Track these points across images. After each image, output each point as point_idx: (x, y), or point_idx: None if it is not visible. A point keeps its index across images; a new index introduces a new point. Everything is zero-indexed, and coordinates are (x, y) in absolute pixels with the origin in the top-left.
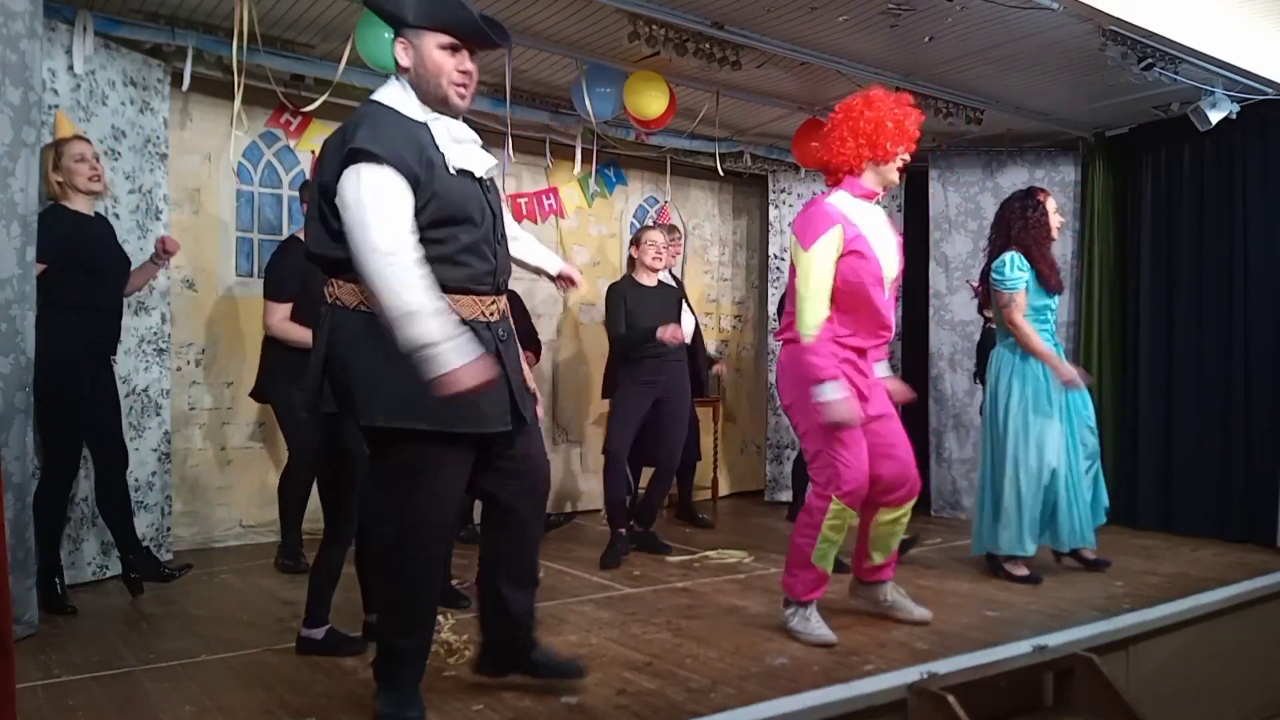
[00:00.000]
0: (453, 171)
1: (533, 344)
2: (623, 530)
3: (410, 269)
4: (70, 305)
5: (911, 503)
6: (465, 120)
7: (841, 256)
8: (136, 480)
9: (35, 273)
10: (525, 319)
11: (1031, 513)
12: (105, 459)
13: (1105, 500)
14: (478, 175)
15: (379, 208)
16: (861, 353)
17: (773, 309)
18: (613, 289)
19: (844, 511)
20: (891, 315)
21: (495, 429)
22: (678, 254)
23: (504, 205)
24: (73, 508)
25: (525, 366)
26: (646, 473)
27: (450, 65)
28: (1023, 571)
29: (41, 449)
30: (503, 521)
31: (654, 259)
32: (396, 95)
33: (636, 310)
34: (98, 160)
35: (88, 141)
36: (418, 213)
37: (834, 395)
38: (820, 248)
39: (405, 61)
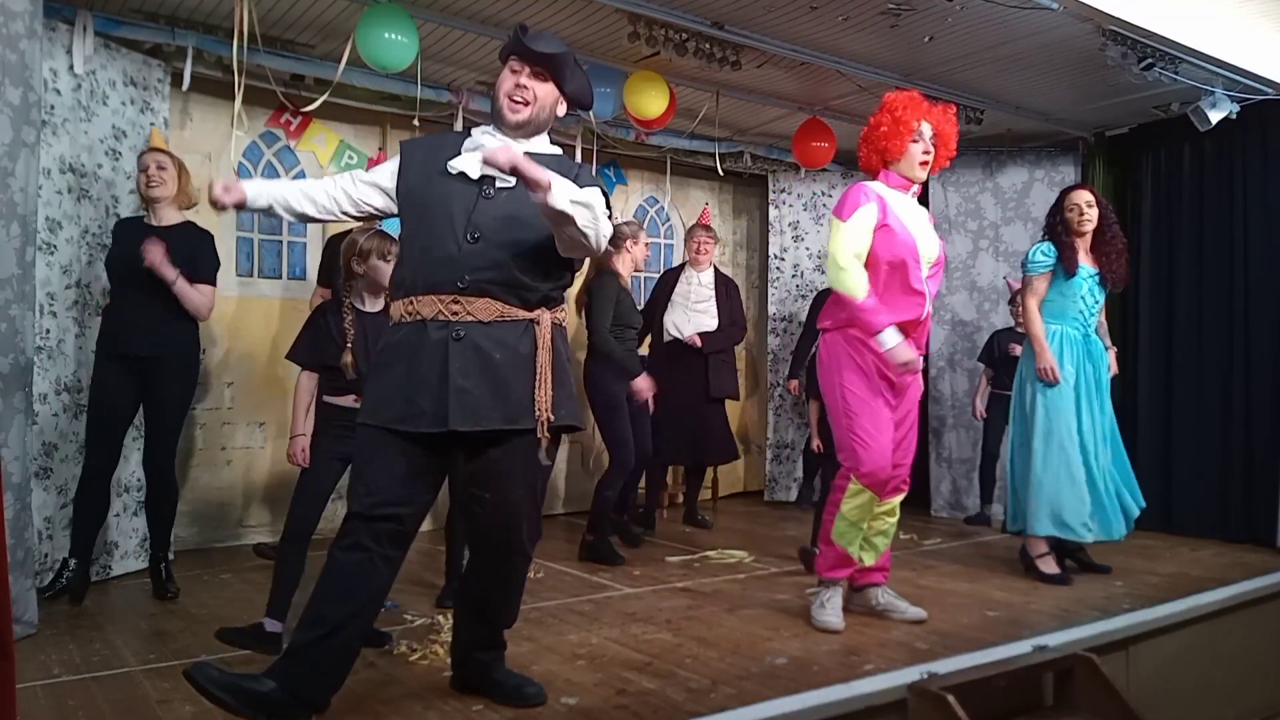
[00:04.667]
0: (452, 172)
1: None
2: (599, 535)
3: (321, 179)
4: (105, 311)
5: (897, 500)
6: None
7: (876, 232)
8: (138, 480)
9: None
10: None
11: (1059, 496)
12: (146, 462)
13: (1137, 501)
14: (473, 177)
15: None
16: (899, 331)
17: (773, 309)
18: (607, 284)
19: (862, 492)
20: (925, 288)
21: (404, 426)
22: (709, 253)
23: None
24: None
25: (544, 396)
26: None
27: (509, 83)
28: (1053, 570)
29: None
30: (469, 548)
31: (645, 258)
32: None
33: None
34: (160, 169)
35: (160, 152)
36: (401, 192)
37: (891, 340)
38: (857, 219)
39: None
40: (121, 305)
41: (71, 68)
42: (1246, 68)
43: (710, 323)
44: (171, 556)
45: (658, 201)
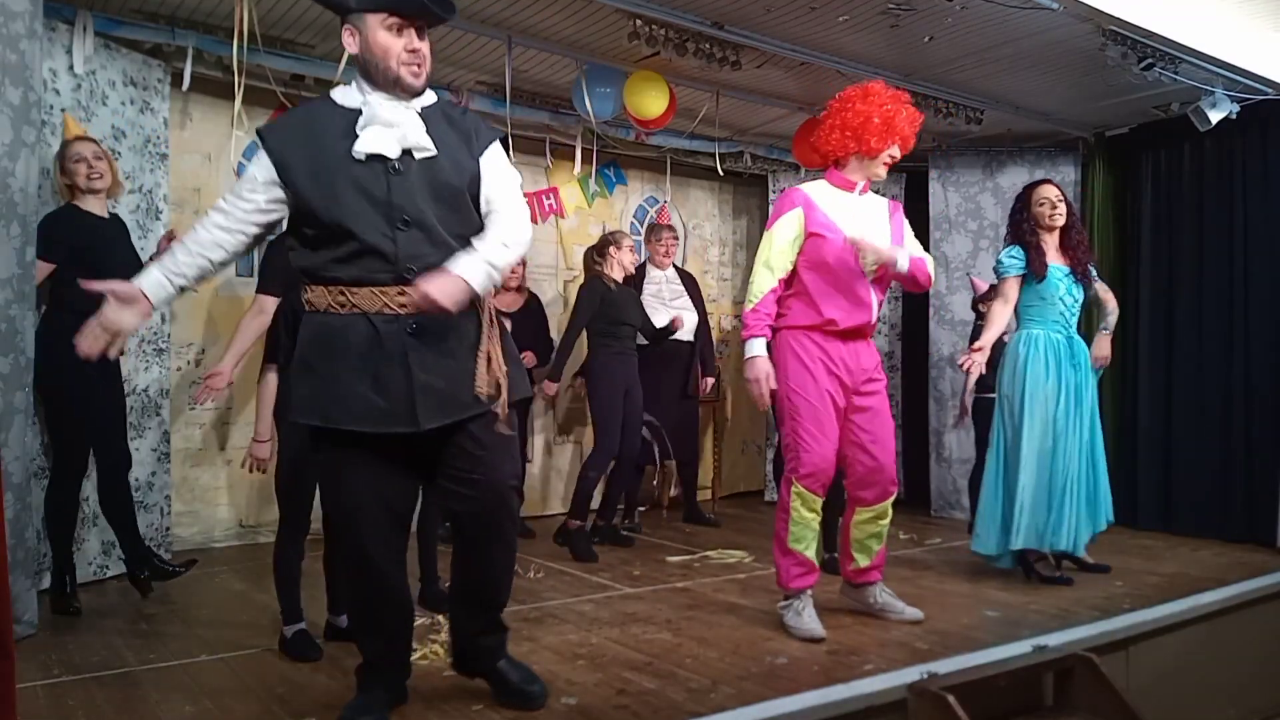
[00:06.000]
0: (360, 157)
1: (542, 350)
2: (580, 523)
3: (207, 215)
4: (75, 308)
5: (887, 503)
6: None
7: (807, 239)
8: (136, 480)
9: (42, 274)
10: (541, 327)
11: (1036, 509)
12: (108, 460)
13: (1108, 511)
14: (390, 156)
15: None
16: (846, 336)
17: None
18: (591, 288)
19: (805, 495)
20: (870, 294)
21: (380, 428)
22: (674, 253)
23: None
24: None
25: (495, 373)
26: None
27: (398, 46)
28: (1053, 572)
29: (51, 450)
30: (456, 540)
31: (634, 262)
32: (342, 88)
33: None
34: (98, 159)
35: (90, 141)
36: (296, 195)
37: (753, 351)
38: (778, 228)
39: (353, 48)
40: (89, 304)
41: (71, 68)
42: (1246, 68)
43: (693, 317)
44: (169, 556)
45: (658, 201)
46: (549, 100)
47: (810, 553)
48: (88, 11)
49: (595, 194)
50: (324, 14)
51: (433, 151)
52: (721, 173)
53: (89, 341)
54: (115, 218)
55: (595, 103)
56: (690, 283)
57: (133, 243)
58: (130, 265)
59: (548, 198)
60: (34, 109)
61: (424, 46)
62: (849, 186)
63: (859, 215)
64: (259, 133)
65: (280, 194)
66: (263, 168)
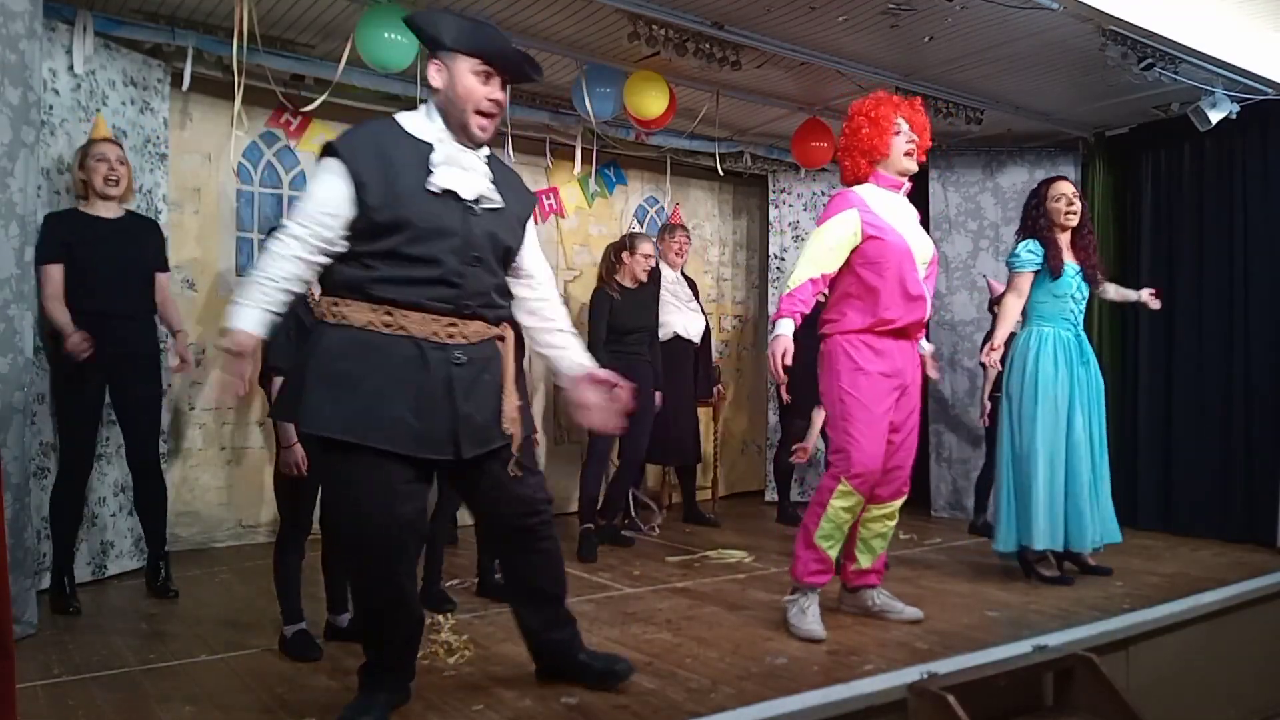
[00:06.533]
0: (436, 190)
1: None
2: (590, 525)
3: (282, 242)
4: (73, 308)
5: (898, 503)
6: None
7: (864, 241)
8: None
9: (55, 278)
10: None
11: (1054, 509)
12: (134, 461)
13: (1109, 529)
14: (465, 197)
15: (309, 193)
16: (899, 334)
17: (773, 309)
18: (597, 301)
19: (850, 494)
20: (925, 290)
21: (418, 453)
22: (686, 251)
23: (527, 251)
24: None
25: (511, 408)
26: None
27: (481, 93)
28: (1054, 572)
29: (57, 450)
30: (498, 550)
31: (646, 270)
32: (410, 115)
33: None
34: (120, 164)
35: (116, 145)
36: (366, 215)
37: (780, 330)
38: (831, 225)
39: (437, 83)
40: (91, 305)
41: (71, 68)
42: (1246, 68)
43: (702, 320)
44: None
45: (658, 201)
46: (549, 100)
47: (833, 553)
48: (88, 11)
49: (595, 194)
50: (324, 14)
51: (501, 205)
52: (721, 173)
53: (223, 393)
54: (125, 220)
55: (595, 103)
56: (691, 287)
57: (148, 244)
58: (134, 268)
59: (548, 198)
60: (33, 109)
61: (503, 98)
62: (895, 186)
63: (903, 214)
64: (333, 147)
65: (353, 215)
66: (342, 183)
